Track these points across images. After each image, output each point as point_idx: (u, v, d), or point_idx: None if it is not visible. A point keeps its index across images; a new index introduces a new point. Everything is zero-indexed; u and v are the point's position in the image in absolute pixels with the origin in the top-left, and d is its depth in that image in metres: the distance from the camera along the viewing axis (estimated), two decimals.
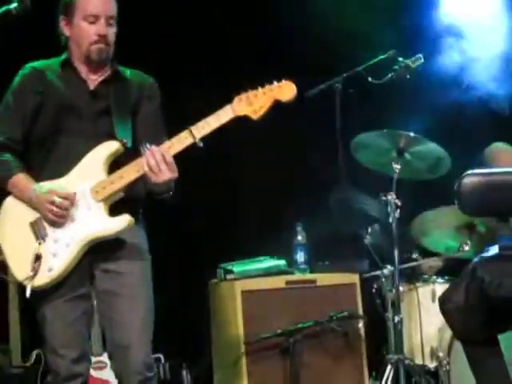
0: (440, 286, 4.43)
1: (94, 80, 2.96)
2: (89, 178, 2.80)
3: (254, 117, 2.78)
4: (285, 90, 2.84)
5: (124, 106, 3.01)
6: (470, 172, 3.33)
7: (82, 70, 2.94)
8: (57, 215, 2.71)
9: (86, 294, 2.85)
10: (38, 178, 2.86)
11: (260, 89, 2.83)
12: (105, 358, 4.05)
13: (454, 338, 3.95)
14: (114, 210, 2.80)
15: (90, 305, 2.92)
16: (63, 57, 2.98)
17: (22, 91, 2.96)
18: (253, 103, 2.81)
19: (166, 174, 2.74)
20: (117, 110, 2.97)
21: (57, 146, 2.91)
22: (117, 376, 2.99)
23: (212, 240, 4.81)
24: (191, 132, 2.74)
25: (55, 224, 2.77)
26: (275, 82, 2.83)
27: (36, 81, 2.95)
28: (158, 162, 2.72)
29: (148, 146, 2.81)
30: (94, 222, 2.79)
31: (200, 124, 2.75)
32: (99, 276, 2.84)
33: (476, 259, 3.49)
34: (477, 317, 3.39)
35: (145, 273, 2.93)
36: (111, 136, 2.88)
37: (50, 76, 2.96)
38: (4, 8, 2.77)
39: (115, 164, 2.83)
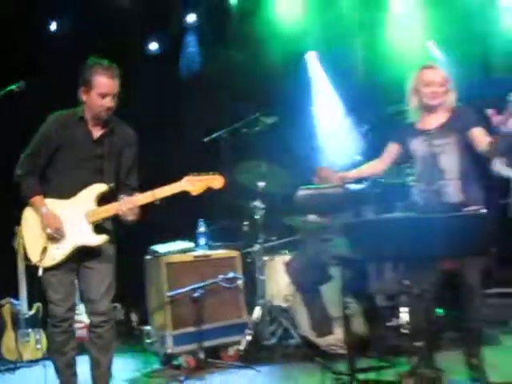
0: (287, 257, 4.86)
1: (96, 132, 3.20)
2: (84, 206, 3.11)
3: (193, 193, 3.11)
4: (216, 181, 3.19)
5: (112, 153, 3.21)
6: (301, 188, 4.27)
7: (90, 124, 3.19)
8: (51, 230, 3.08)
9: (74, 270, 3.20)
10: (51, 193, 3.17)
11: (201, 176, 3.14)
12: (81, 307, 4.14)
13: (296, 289, 4.56)
14: (98, 229, 3.13)
15: (76, 277, 3.24)
16: (79, 114, 3.18)
17: (47, 135, 3.18)
18: (195, 185, 3.10)
19: (132, 216, 3.11)
20: (107, 155, 3.20)
21: (66, 174, 3.17)
22: (89, 317, 3.29)
23: (146, 230, 4.51)
24: (154, 194, 3.08)
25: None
26: (211, 174, 3.17)
27: (58, 128, 3.18)
28: (129, 209, 3.06)
29: (124, 197, 3.11)
30: (84, 235, 3.11)
31: (159, 189, 3.08)
32: (83, 264, 3.20)
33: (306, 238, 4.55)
34: (305, 276, 4.34)
35: (110, 266, 3.26)
36: (101, 172, 3.17)
37: (68, 125, 3.18)
38: (7, 89, 3.25)
39: (104, 196, 3.15)
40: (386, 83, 5.48)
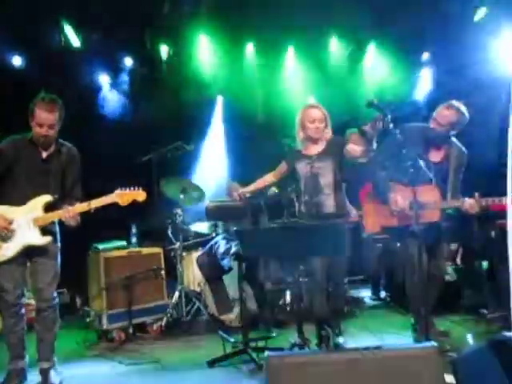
0: (197, 253, 4.87)
1: (44, 153, 3.12)
2: (33, 212, 3.05)
3: (122, 204, 3.09)
4: (140, 195, 3.15)
5: (58, 170, 3.15)
6: (209, 200, 4.30)
7: (38, 145, 3.10)
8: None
9: (24, 264, 3.13)
10: (4, 202, 3.05)
11: (128, 190, 3.10)
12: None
13: (204, 277, 4.61)
14: (44, 231, 3.07)
15: (25, 269, 3.15)
16: (29, 137, 3.08)
17: (2, 153, 3.07)
18: (123, 197, 3.09)
19: (72, 222, 3.06)
20: (53, 172, 3.14)
21: (18, 186, 3.08)
22: (36, 303, 3.17)
23: (90, 231, 4.25)
24: (89, 204, 3.06)
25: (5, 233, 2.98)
26: (136, 188, 3.14)
27: (12, 148, 3.09)
28: (70, 216, 3.04)
29: (65, 206, 3.05)
30: (31, 236, 3.04)
31: (95, 200, 3.07)
32: (32, 259, 3.12)
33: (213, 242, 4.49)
34: (208, 268, 4.43)
35: (54, 261, 3.16)
36: (48, 186, 3.09)
37: (21, 146, 3.09)
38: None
39: (49, 205, 3.09)
40: (279, 123, 5.68)
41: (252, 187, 3.84)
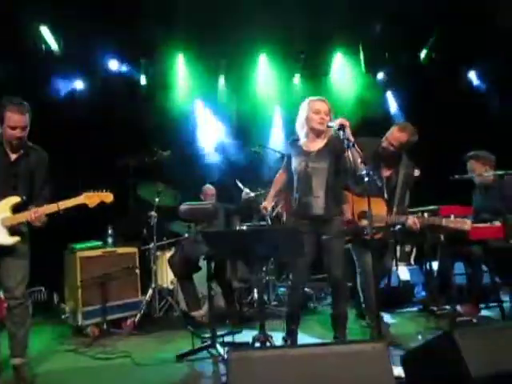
0: (170, 253, 4.81)
1: (13, 155, 3.02)
2: (1, 213, 2.94)
3: (90, 206, 3.02)
4: (107, 197, 3.07)
5: (26, 172, 3.04)
6: (184, 203, 4.18)
7: (7, 148, 3.00)
8: None
9: None
10: None
11: (96, 192, 3.04)
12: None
13: (176, 276, 4.50)
14: (13, 231, 2.97)
15: None
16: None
17: None
18: (91, 199, 3.02)
19: (38, 223, 2.97)
20: (22, 174, 3.04)
21: None
22: (7, 301, 3.03)
23: (68, 231, 4.61)
24: (58, 205, 2.96)
25: None
26: (104, 190, 3.06)
27: None
28: (36, 217, 2.93)
29: (32, 207, 2.95)
30: (0, 237, 2.94)
31: (62, 202, 2.97)
32: (2, 258, 2.99)
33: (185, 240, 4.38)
34: (181, 267, 4.29)
35: (24, 261, 3.05)
36: (16, 188, 2.99)
37: None
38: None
39: (17, 206, 2.98)
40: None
41: (272, 193, 3.46)
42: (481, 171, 3.98)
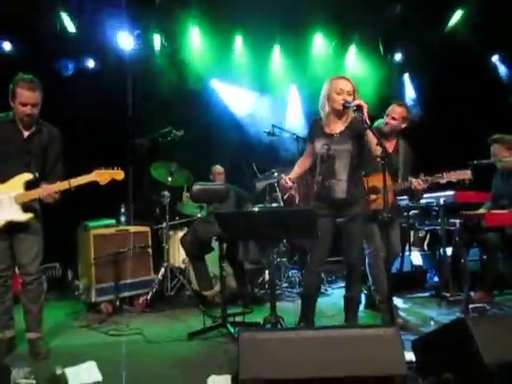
0: (182, 232, 4.78)
1: (26, 132, 3.02)
2: (14, 190, 2.96)
3: (101, 183, 3.02)
4: (118, 174, 3.08)
5: (39, 149, 3.06)
6: (196, 183, 4.14)
7: (20, 125, 3.01)
8: None
9: (8, 239, 3.02)
10: None
11: (107, 170, 3.04)
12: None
13: (188, 255, 4.50)
14: (26, 207, 2.99)
15: (9, 243, 3.04)
16: (11, 117, 2.99)
17: None
18: (102, 176, 3.02)
19: (50, 200, 2.97)
20: (35, 151, 3.05)
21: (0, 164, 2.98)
22: (21, 277, 3.10)
23: (82, 209, 4.65)
24: (69, 182, 2.97)
25: None
26: (115, 168, 3.06)
27: None
28: (48, 194, 2.94)
29: (43, 184, 2.97)
30: (13, 213, 2.97)
31: (74, 179, 2.98)
32: (15, 235, 3.01)
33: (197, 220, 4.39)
34: (193, 247, 4.26)
35: (37, 237, 3.07)
36: (29, 165, 3.00)
37: (2, 126, 2.99)
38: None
39: (30, 183, 2.99)
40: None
41: (294, 175, 3.27)
42: (504, 155, 3.89)
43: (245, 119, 6.28)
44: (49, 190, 2.94)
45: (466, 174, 3.28)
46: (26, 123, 3.01)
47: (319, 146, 3.09)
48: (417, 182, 3.36)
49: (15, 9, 4.70)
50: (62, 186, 2.97)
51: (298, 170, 3.31)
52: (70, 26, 5.55)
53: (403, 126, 3.64)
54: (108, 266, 4.38)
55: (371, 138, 2.84)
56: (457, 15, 6.16)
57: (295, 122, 6.48)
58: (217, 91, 6.50)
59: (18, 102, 2.92)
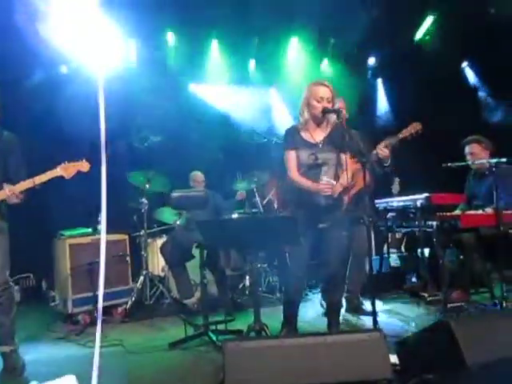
0: (161, 240, 4.85)
1: None
2: None
3: (67, 177, 2.95)
4: (83, 166, 3.01)
5: (2, 155, 2.95)
6: (174, 191, 3.99)
7: None
8: None
9: None
10: None
11: (72, 163, 2.96)
12: None
13: (168, 264, 4.49)
14: None
15: None
16: None
17: None
18: (67, 170, 2.95)
19: (14, 200, 2.87)
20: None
21: None
22: None
23: (57, 218, 4.62)
24: (34, 180, 2.87)
25: None
26: (81, 160, 2.98)
27: None
28: (13, 194, 2.84)
29: (6, 185, 2.87)
30: None
31: (38, 176, 2.88)
32: None
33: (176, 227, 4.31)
34: (173, 256, 4.23)
35: (4, 240, 2.94)
36: None
37: None
38: None
39: None
40: None
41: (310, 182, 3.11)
42: (481, 155, 3.96)
43: (224, 121, 6.24)
44: (13, 190, 2.85)
45: (417, 126, 3.44)
46: None
47: (305, 156, 3.05)
48: (379, 150, 3.43)
49: None
50: (27, 184, 2.87)
51: (307, 180, 3.10)
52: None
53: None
54: (85, 275, 4.27)
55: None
56: (427, 21, 6.32)
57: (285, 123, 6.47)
58: (194, 95, 6.47)
59: None
